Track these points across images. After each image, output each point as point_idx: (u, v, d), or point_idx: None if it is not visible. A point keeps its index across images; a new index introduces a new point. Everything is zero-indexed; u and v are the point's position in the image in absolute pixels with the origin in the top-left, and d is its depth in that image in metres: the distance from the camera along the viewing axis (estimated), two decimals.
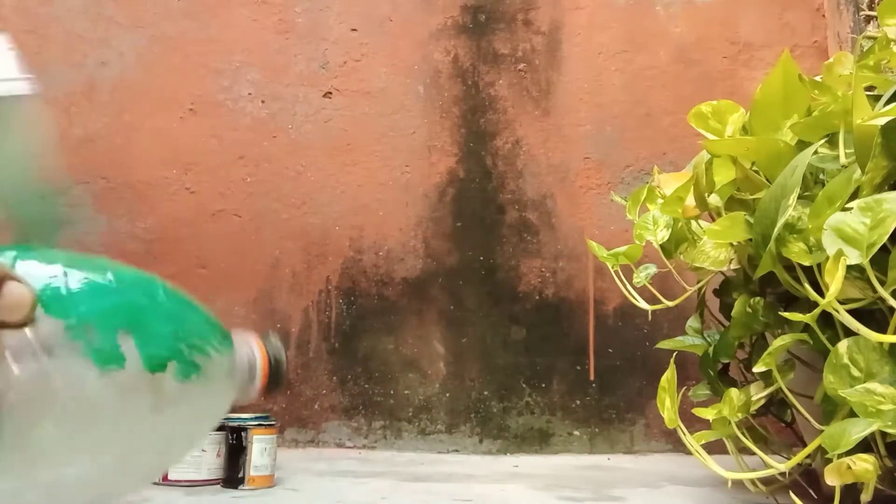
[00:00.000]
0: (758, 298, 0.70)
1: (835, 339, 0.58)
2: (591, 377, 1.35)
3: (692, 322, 0.92)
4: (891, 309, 0.54)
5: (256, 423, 0.88)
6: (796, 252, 0.61)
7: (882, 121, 0.56)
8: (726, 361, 0.84)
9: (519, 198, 1.42)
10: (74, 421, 0.31)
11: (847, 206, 0.55)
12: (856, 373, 0.55)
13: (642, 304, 0.88)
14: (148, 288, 0.41)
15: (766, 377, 0.69)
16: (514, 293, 1.38)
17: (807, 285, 0.60)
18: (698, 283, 0.86)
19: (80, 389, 0.32)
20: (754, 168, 0.71)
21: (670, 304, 0.85)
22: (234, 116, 1.43)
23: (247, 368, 0.45)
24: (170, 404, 0.36)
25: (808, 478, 0.75)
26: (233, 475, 0.87)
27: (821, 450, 0.55)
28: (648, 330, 1.35)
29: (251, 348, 0.46)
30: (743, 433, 0.70)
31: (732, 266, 0.76)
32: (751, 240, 0.66)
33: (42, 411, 0.30)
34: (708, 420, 0.72)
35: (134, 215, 1.38)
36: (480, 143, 1.44)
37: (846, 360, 0.56)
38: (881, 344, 0.54)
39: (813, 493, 0.75)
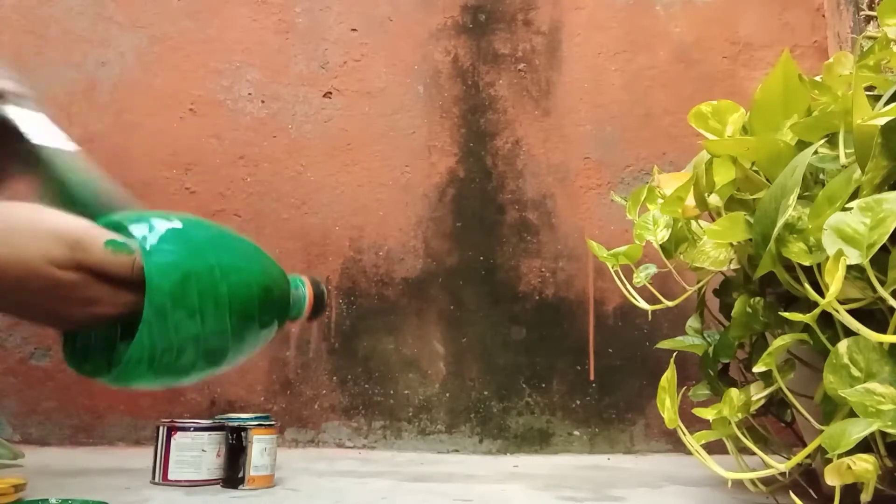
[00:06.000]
0: (758, 298, 0.70)
1: (835, 339, 0.58)
2: (591, 377, 1.35)
3: (692, 322, 0.92)
4: (891, 309, 0.54)
5: (256, 423, 0.88)
6: (796, 252, 0.60)
7: (882, 121, 0.56)
8: (726, 361, 0.84)
9: (519, 198, 1.42)
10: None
11: (847, 206, 0.55)
12: (856, 373, 0.55)
13: (642, 304, 0.88)
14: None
15: (766, 377, 0.69)
16: (514, 293, 1.38)
17: (807, 285, 0.60)
18: (698, 283, 0.86)
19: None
20: (754, 168, 0.71)
21: (670, 304, 0.85)
22: (234, 116, 1.43)
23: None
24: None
25: (808, 478, 0.75)
26: (233, 475, 0.87)
27: (821, 450, 0.55)
28: (648, 330, 1.35)
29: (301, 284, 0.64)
30: (743, 433, 0.70)
31: (732, 266, 0.76)
32: (751, 240, 0.66)
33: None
34: (708, 420, 0.72)
35: None
36: (480, 143, 1.44)
37: (846, 360, 0.56)
38: (881, 344, 0.54)
39: (813, 493, 0.75)
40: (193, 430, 0.90)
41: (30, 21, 1.42)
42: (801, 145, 0.65)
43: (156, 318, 0.49)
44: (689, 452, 0.70)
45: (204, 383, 1.31)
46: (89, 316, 0.48)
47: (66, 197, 0.58)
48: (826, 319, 0.58)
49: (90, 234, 0.48)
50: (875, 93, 0.70)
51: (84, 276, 0.47)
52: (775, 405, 0.83)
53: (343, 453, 1.28)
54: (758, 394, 0.70)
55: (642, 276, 0.90)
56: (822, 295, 0.55)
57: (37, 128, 0.60)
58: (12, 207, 0.47)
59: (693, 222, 0.81)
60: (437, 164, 1.43)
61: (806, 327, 0.61)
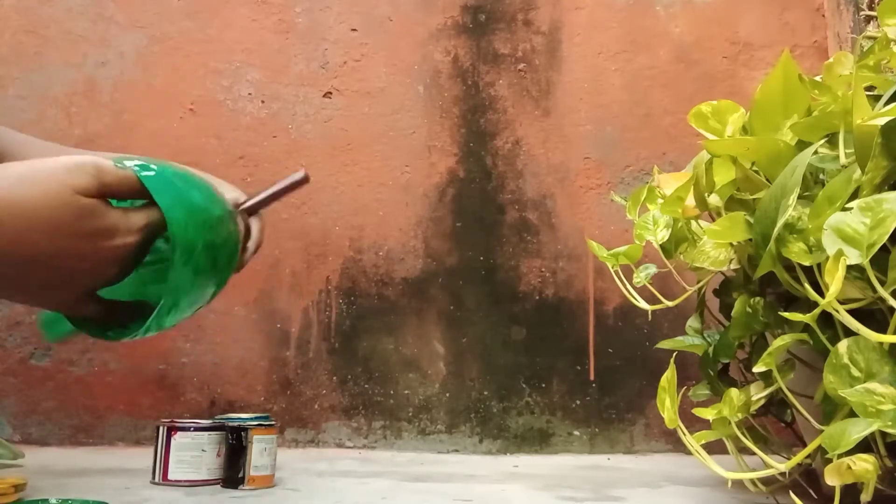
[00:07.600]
0: (758, 298, 0.70)
1: (835, 339, 0.58)
2: (591, 377, 1.35)
3: (692, 322, 0.92)
4: (891, 309, 0.54)
5: (256, 423, 0.88)
6: (796, 252, 0.61)
7: (882, 121, 0.56)
8: (726, 361, 0.84)
9: (519, 198, 1.42)
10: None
11: (847, 206, 0.55)
12: (856, 373, 0.55)
13: (642, 304, 0.88)
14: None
15: (766, 377, 0.69)
16: (514, 293, 1.38)
17: (807, 285, 0.60)
18: (698, 283, 0.86)
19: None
20: (754, 168, 0.71)
21: (670, 304, 0.85)
22: (234, 116, 1.43)
23: None
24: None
25: (808, 478, 0.75)
26: (233, 475, 0.87)
27: (821, 450, 0.55)
28: (648, 330, 1.35)
29: None
30: (743, 433, 0.70)
31: (732, 266, 0.76)
32: (751, 240, 0.66)
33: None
34: (708, 420, 0.72)
35: None
36: (480, 143, 1.44)
37: (846, 360, 0.56)
38: (881, 344, 0.54)
39: (813, 493, 0.75)
40: (193, 430, 0.90)
41: (30, 21, 1.42)
42: (801, 145, 0.65)
43: (173, 208, 0.51)
44: (689, 452, 0.70)
45: (203, 383, 1.32)
46: (112, 253, 0.49)
47: None
48: (826, 319, 0.58)
49: (101, 160, 0.51)
50: (875, 93, 0.70)
51: (101, 202, 0.49)
52: (775, 405, 0.83)
53: (343, 453, 1.28)
54: (758, 394, 0.70)
55: (642, 276, 0.90)
56: (822, 295, 0.55)
57: None
58: (21, 162, 0.49)
59: (693, 222, 0.81)
60: (437, 164, 1.43)
61: (806, 327, 0.61)
